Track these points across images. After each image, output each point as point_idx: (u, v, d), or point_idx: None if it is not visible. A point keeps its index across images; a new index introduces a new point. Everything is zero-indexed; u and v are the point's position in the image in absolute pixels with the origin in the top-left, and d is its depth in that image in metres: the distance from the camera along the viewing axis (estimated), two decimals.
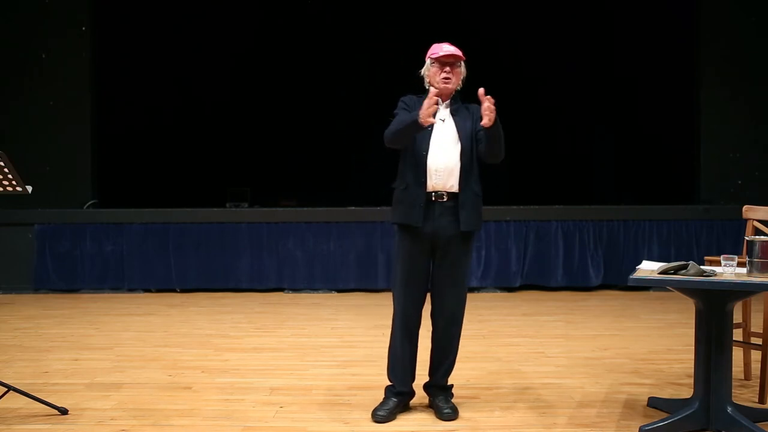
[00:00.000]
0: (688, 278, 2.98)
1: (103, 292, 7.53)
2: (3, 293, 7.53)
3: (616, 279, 7.41)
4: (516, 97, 9.08)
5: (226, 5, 9.00)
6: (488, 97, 3.06)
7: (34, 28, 8.07)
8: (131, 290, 7.56)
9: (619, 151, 9.10)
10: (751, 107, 8.01)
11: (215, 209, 7.77)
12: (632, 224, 7.53)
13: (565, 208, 7.64)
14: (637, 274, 3.06)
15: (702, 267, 3.06)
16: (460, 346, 3.48)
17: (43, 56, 8.09)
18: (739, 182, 7.97)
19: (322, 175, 8.64)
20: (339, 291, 7.44)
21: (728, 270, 3.04)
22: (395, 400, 3.40)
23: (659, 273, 3.04)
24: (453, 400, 3.44)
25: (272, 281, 7.54)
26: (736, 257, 3.06)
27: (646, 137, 8.84)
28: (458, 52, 3.30)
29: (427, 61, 3.36)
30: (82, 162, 8.12)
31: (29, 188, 3.32)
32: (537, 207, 7.61)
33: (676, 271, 3.03)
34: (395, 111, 3.35)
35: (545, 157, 9.08)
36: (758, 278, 2.93)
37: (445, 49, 3.29)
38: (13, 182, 3.28)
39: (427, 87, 3.36)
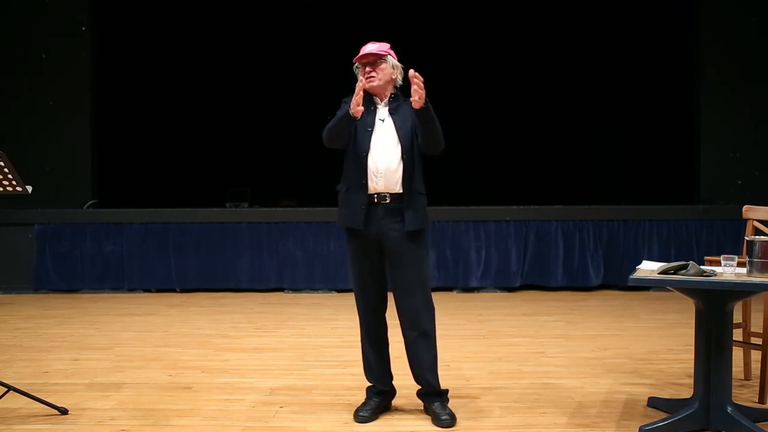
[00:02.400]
0: (688, 278, 2.97)
1: (103, 292, 7.54)
2: (3, 293, 7.53)
3: (616, 279, 7.41)
4: (516, 97, 9.10)
5: (226, 5, 9.00)
6: (416, 75, 3.03)
7: (34, 28, 8.07)
8: (131, 290, 7.56)
9: (619, 151, 9.10)
10: (751, 107, 8.02)
11: (215, 209, 7.77)
12: (632, 224, 7.53)
13: (565, 208, 7.64)
14: (637, 274, 3.06)
15: (702, 267, 3.05)
16: (460, 347, 3.48)
17: (43, 56, 8.09)
18: (739, 182, 7.97)
19: (322, 175, 8.63)
20: (339, 291, 7.44)
21: (728, 270, 3.04)
22: (377, 399, 3.40)
23: (659, 273, 3.04)
24: (451, 404, 3.38)
25: (272, 281, 7.54)
26: (736, 257, 3.05)
27: (646, 137, 8.84)
28: (377, 50, 3.26)
29: (354, 66, 3.35)
30: (82, 162, 8.12)
31: (29, 188, 3.32)
32: (537, 207, 7.61)
33: (676, 271, 3.03)
34: (337, 111, 3.32)
35: (545, 157, 9.08)
36: (758, 278, 2.92)
37: (365, 50, 3.28)
38: (13, 182, 3.28)
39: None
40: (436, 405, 3.32)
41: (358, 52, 3.31)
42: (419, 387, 3.41)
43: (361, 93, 3.12)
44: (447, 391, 3.41)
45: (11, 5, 8.09)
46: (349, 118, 3.13)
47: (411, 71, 3.06)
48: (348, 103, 3.22)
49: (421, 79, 3.04)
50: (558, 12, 9.07)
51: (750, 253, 2.98)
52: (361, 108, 3.12)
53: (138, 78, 8.84)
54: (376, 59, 3.27)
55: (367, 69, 3.26)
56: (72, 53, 8.12)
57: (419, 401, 3.44)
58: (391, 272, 3.32)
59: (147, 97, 8.87)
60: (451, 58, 9.06)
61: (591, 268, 7.49)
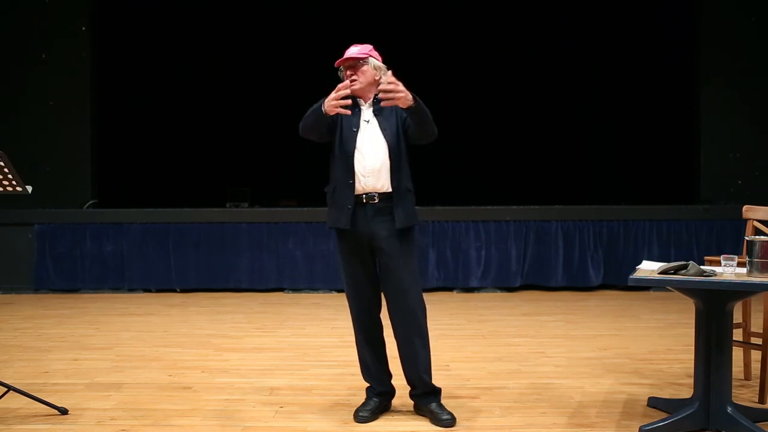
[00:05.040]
0: (688, 278, 2.97)
1: (103, 292, 7.53)
2: (3, 293, 7.53)
3: (616, 279, 7.41)
4: (516, 98, 9.11)
5: (226, 6, 9.01)
6: (388, 84, 3.01)
7: (34, 28, 8.07)
8: (131, 290, 7.56)
9: (619, 151, 9.11)
10: (751, 107, 8.02)
11: (215, 209, 7.76)
12: (632, 224, 7.53)
13: (565, 208, 7.64)
14: (637, 274, 3.06)
15: (702, 267, 3.05)
16: (460, 347, 3.45)
17: (43, 56, 8.09)
18: (739, 182, 7.97)
19: (322, 175, 8.64)
20: (339, 291, 7.43)
21: (728, 270, 3.04)
22: (376, 400, 3.39)
23: (659, 273, 3.04)
24: (451, 404, 3.36)
25: (272, 281, 7.54)
26: (736, 257, 3.05)
27: (646, 137, 8.85)
28: (358, 53, 3.27)
29: (338, 70, 3.36)
30: (82, 162, 8.12)
31: (29, 188, 3.32)
32: (537, 207, 7.61)
33: (676, 271, 3.02)
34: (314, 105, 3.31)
35: (545, 157, 9.09)
36: (758, 278, 2.92)
37: (347, 53, 3.29)
38: (13, 182, 3.28)
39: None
40: (434, 405, 3.30)
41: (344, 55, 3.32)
42: (412, 388, 3.38)
43: (344, 92, 3.09)
44: (441, 390, 3.39)
45: (11, 5, 8.09)
46: (321, 114, 3.13)
47: (383, 85, 3.04)
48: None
49: (394, 82, 3.02)
50: (558, 13, 9.09)
51: (750, 253, 2.98)
52: (339, 108, 3.08)
53: (138, 78, 8.85)
54: (356, 62, 3.28)
55: (348, 72, 3.28)
56: (72, 53, 8.12)
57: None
58: (383, 272, 3.31)
59: (147, 96, 8.88)
60: (451, 57, 9.07)
61: (591, 268, 7.48)
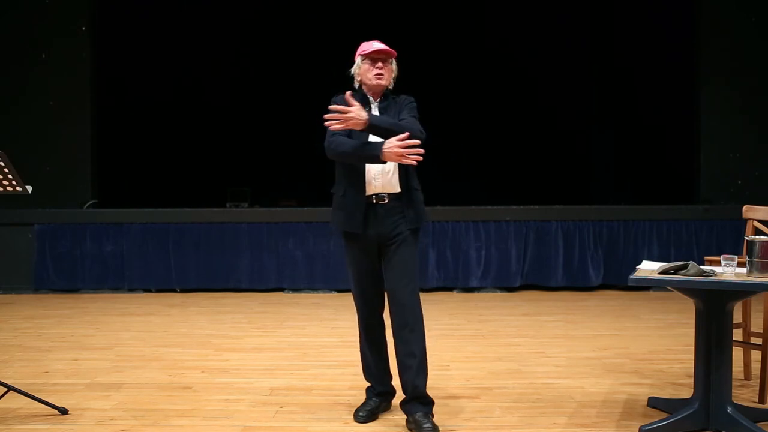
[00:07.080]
0: (688, 278, 2.97)
1: (103, 292, 7.54)
2: (3, 293, 7.53)
3: (616, 279, 7.41)
4: (516, 98, 9.12)
5: (226, 6, 9.01)
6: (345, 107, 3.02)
7: (34, 28, 8.08)
8: (131, 290, 7.56)
9: (619, 151, 9.12)
10: (751, 107, 8.02)
11: (215, 209, 7.76)
12: (632, 224, 7.53)
13: (565, 208, 7.64)
14: (637, 274, 3.06)
15: (702, 267, 3.05)
16: (460, 347, 3.42)
17: (43, 56, 8.10)
18: (739, 182, 7.98)
19: (321, 175, 8.64)
20: (339, 291, 7.43)
21: (728, 270, 3.04)
22: (376, 399, 3.39)
23: (659, 273, 3.04)
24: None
25: (272, 281, 7.54)
26: (736, 257, 3.05)
27: (646, 137, 8.85)
28: (390, 49, 3.26)
29: (358, 59, 3.30)
30: (82, 162, 8.12)
31: (29, 188, 3.32)
32: (537, 207, 7.61)
33: (676, 271, 3.02)
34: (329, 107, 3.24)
35: (545, 157, 9.09)
36: (758, 278, 2.92)
37: (375, 46, 3.25)
38: (13, 182, 3.28)
39: (356, 86, 3.31)
40: (419, 414, 3.16)
41: (357, 48, 3.29)
42: (405, 394, 3.24)
43: (414, 141, 3.01)
44: (433, 402, 3.26)
45: (11, 5, 8.09)
46: (376, 159, 3.06)
47: (334, 107, 3.04)
48: (338, 103, 3.15)
49: (343, 110, 3.01)
50: (558, 13, 9.09)
51: (750, 253, 2.98)
52: (404, 158, 3.03)
53: (138, 78, 8.85)
54: (389, 57, 3.27)
55: (379, 65, 3.24)
56: (72, 53, 8.12)
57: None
58: (389, 271, 3.27)
59: (147, 97, 8.88)
60: (451, 57, 9.08)
61: (591, 268, 7.48)
